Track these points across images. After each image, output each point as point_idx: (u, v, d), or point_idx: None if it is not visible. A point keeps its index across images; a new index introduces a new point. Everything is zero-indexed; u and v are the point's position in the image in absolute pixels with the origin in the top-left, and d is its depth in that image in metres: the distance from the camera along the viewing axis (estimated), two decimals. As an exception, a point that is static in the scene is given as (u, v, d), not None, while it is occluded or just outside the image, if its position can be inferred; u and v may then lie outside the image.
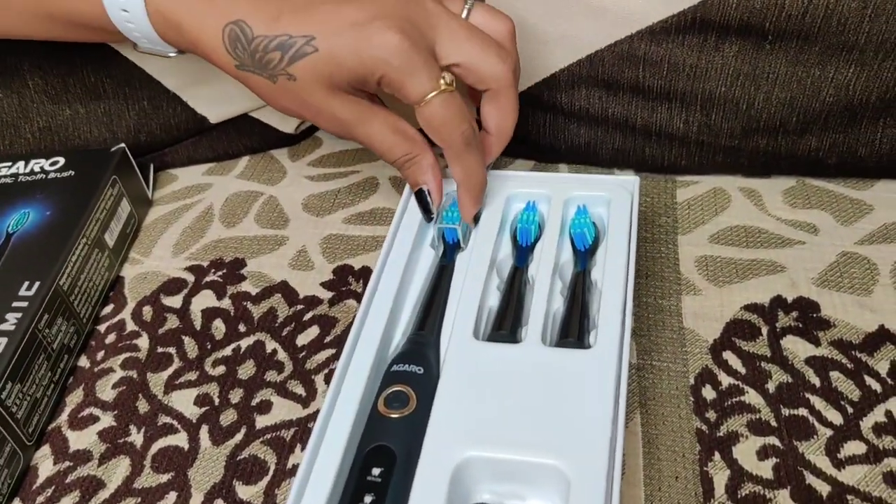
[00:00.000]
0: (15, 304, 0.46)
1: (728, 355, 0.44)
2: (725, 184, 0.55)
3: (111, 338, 0.51)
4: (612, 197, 0.47)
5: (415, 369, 0.39)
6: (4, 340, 0.44)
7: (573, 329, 0.41)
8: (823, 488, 0.38)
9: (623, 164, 0.57)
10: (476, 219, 0.47)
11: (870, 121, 0.49)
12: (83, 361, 0.50)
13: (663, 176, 0.56)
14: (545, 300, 0.42)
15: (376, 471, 0.35)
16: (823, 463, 0.39)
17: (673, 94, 0.51)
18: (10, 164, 0.57)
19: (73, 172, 0.56)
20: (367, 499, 0.34)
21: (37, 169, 0.56)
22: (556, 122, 0.55)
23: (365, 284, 0.51)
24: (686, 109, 0.51)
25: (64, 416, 0.46)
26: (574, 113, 0.54)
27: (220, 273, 0.54)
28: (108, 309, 0.53)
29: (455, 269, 0.46)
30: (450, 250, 0.47)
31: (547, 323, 0.41)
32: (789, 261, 0.49)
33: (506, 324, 0.42)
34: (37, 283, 0.47)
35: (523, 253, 0.46)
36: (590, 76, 0.52)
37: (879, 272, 0.48)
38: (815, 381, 0.42)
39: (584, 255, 0.45)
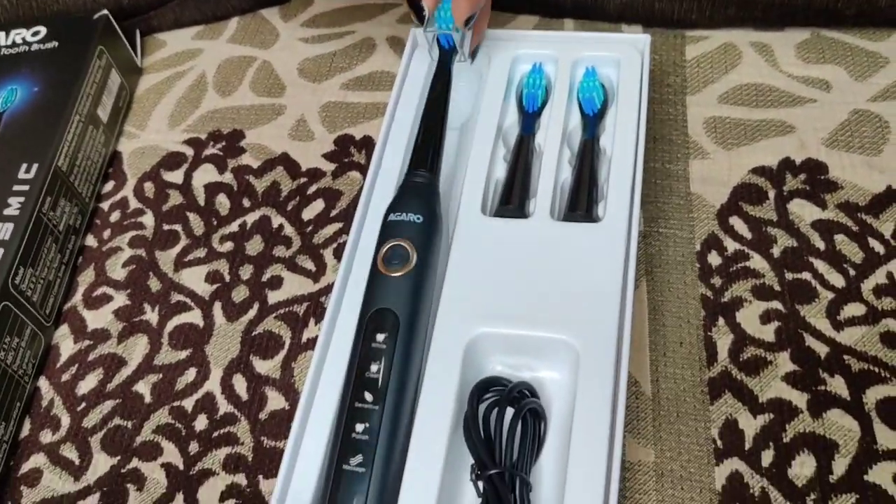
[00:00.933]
0: (16, 187, 0.45)
1: (734, 220, 0.44)
2: (736, 38, 0.53)
3: (115, 216, 0.51)
4: (621, 57, 0.45)
5: (413, 218, 0.36)
6: (10, 226, 0.43)
7: (581, 201, 0.41)
8: (822, 349, 0.39)
9: (631, 19, 0.54)
10: (468, 22, 0.42)
11: (894, -32, 0.46)
12: (90, 241, 0.50)
13: (672, 31, 0.54)
14: (553, 171, 0.42)
15: (380, 336, 0.34)
16: (823, 325, 0.40)
17: (686, -57, 0.48)
18: (-12, 35, 0.55)
19: (56, 43, 0.53)
20: (374, 367, 0.34)
21: (18, 40, 0.54)
22: (561, -26, 0.52)
23: (367, 154, 0.51)
24: (700, -41, 0.49)
25: (78, 297, 0.47)
26: (580, -35, 0.51)
27: (219, 146, 0.53)
28: (109, 186, 0.52)
29: (456, 137, 0.45)
30: (447, 57, 0.44)
31: (555, 195, 0.41)
32: (800, 120, 0.48)
33: (513, 197, 0.42)
34: (35, 165, 0.46)
35: (530, 119, 0.45)
36: (597, -77, 0.49)
37: (891, 130, 0.47)
38: (820, 244, 0.43)
39: (593, 121, 0.44)
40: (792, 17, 0.51)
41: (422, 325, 0.35)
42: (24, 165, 0.46)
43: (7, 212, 0.44)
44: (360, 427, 0.33)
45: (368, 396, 0.33)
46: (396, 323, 0.35)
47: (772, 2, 0.50)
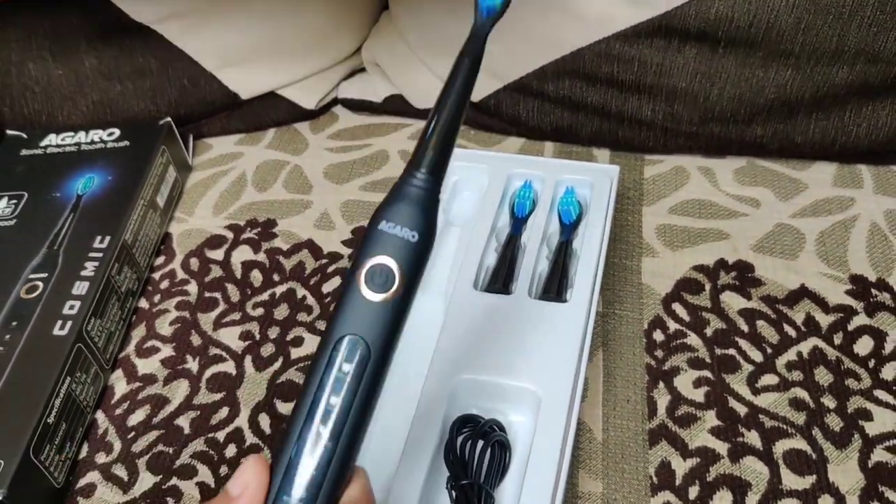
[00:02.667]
0: (91, 254, 0.55)
1: (676, 306, 0.54)
2: (686, 163, 0.64)
3: (165, 284, 0.61)
4: (594, 181, 0.56)
5: (409, 235, 0.31)
6: (87, 284, 0.53)
7: (554, 287, 0.51)
8: (742, 409, 0.48)
9: (600, 144, 0.66)
10: None
11: (805, 114, 0.58)
12: (143, 303, 0.59)
13: (634, 154, 0.66)
14: (533, 263, 0.52)
15: (346, 367, 0.30)
16: (744, 391, 0.49)
17: (642, 87, 0.60)
18: (72, 134, 0.66)
19: (128, 143, 0.65)
20: (333, 399, 0.30)
21: (96, 139, 0.66)
22: (543, 107, 0.65)
23: (379, 243, 0.61)
24: (653, 100, 0.61)
25: (131, 347, 0.56)
26: (559, 100, 0.64)
27: (255, 231, 0.63)
28: (161, 260, 0.62)
29: (459, 231, 0.56)
30: (485, 31, 0.33)
31: (533, 280, 0.51)
32: (734, 230, 0.59)
33: (500, 279, 0.52)
34: (108, 238, 0.56)
35: (518, 223, 0.55)
36: (572, 70, 0.61)
37: (806, 240, 0.58)
38: (745, 327, 0.53)
39: (569, 228, 0.55)
40: (729, 148, 0.63)
41: (391, 357, 0.32)
42: (99, 237, 0.57)
43: (84, 273, 0.54)
44: (306, 460, 0.29)
45: (322, 430, 0.30)
46: (367, 355, 0.30)
47: (712, 136, 0.62)
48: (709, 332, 0.53)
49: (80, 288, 0.53)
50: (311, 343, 0.55)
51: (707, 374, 0.50)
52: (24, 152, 0.65)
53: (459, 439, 0.44)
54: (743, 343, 0.52)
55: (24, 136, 0.67)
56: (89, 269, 0.55)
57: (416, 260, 0.31)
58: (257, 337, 0.56)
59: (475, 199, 0.58)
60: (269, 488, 0.29)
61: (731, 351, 0.51)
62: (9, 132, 0.67)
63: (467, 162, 0.59)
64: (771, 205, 0.60)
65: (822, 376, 0.49)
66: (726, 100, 0.59)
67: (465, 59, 0.33)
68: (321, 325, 0.56)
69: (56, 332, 0.51)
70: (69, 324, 0.51)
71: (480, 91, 0.65)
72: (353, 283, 0.31)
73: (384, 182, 0.66)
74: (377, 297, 0.30)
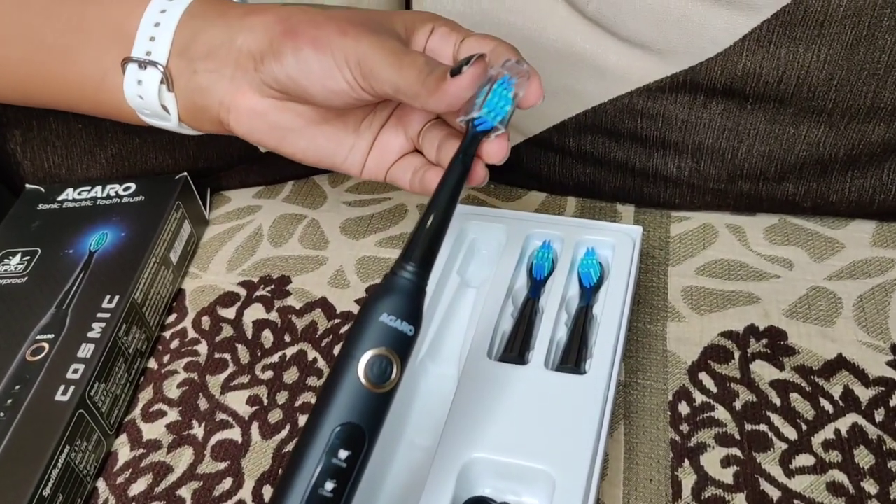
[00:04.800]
0: (99, 314, 0.54)
1: (703, 376, 0.51)
2: (714, 220, 0.62)
3: (175, 344, 0.59)
4: (617, 243, 0.54)
5: (407, 329, 0.33)
6: (92, 346, 0.52)
7: (572, 356, 0.48)
8: (775, 493, 0.45)
9: (624, 200, 0.64)
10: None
11: (839, 172, 0.56)
12: (152, 364, 0.58)
13: (659, 211, 0.63)
14: (551, 329, 0.49)
15: (343, 454, 0.32)
16: (777, 472, 0.46)
17: (667, 143, 0.58)
18: (89, 188, 0.66)
19: (143, 198, 0.64)
20: (329, 486, 0.31)
21: (112, 193, 0.65)
22: (565, 162, 0.63)
23: (393, 303, 0.59)
24: (679, 156, 0.58)
25: (137, 411, 0.55)
26: (580, 155, 0.62)
27: (268, 289, 0.62)
28: (172, 318, 0.61)
29: (475, 293, 0.54)
30: (474, 146, 0.40)
31: (551, 349, 0.49)
32: (765, 293, 0.56)
33: (515, 346, 0.49)
34: (116, 297, 0.55)
35: (537, 285, 0.53)
36: (594, 124, 0.59)
37: (843, 305, 0.54)
38: (777, 401, 0.49)
39: (589, 292, 0.52)
40: (760, 206, 0.60)
41: (379, 440, 0.34)
42: (108, 297, 0.56)
43: (90, 335, 0.53)
44: None
45: None
46: (363, 441, 0.32)
47: (741, 193, 0.59)
48: (738, 405, 0.50)
49: (86, 350, 0.52)
50: (319, 410, 0.53)
51: (736, 452, 0.47)
52: (41, 207, 0.65)
53: (468, 524, 0.42)
54: (775, 418, 0.49)
55: (42, 189, 0.67)
56: (96, 330, 0.53)
57: (410, 352, 0.34)
58: (265, 402, 0.54)
59: (492, 260, 0.56)
60: None
61: (763, 427, 0.48)
62: (28, 186, 0.67)
63: (484, 220, 0.57)
64: (805, 266, 0.57)
65: (863, 457, 0.46)
66: (755, 157, 0.56)
67: (458, 164, 0.38)
68: (331, 391, 0.54)
69: (58, 397, 0.49)
70: (72, 389, 0.50)
71: (500, 145, 0.64)
72: (352, 372, 0.32)
73: (400, 238, 0.65)
74: (377, 388, 0.32)
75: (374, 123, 0.46)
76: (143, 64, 0.44)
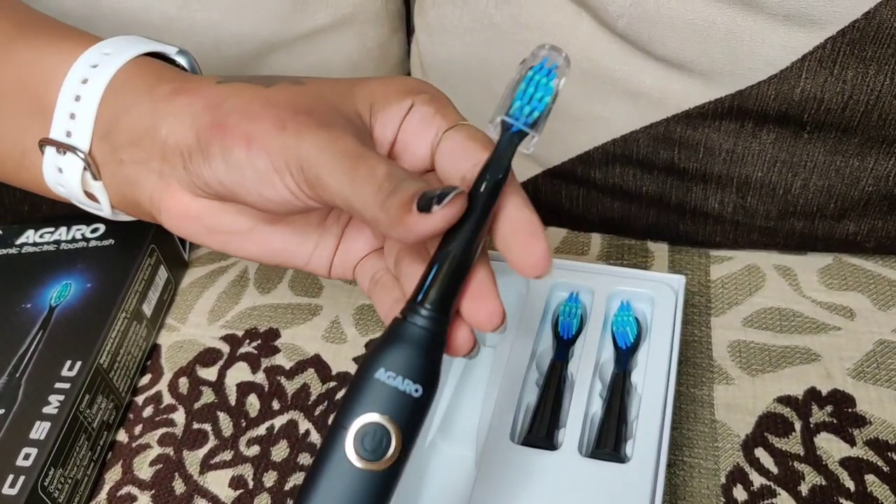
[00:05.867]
0: (57, 385, 0.47)
1: (760, 453, 0.44)
2: (760, 260, 0.54)
3: (148, 411, 0.52)
4: (655, 294, 0.47)
5: (411, 389, 0.26)
6: (48, 425, 0.45)
7: (609, 439, 0.41)
8: None
9: (656, 237, 0.57)
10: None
11: (910, 209, 0.48)
12: (121, 436, 0.51)
13: (697, 250, 0.56)
14: (584, 403, 0.42)
15: None
16: (855, 576, 0.39)
17: (708, 176, 0.51)
18: (52, 229, 0.59)
19: (112, 241, 0.57)
20: None
21: (78, 236, 0.58)
22: (590, 195, 0.55)
23: (397, 361, 0.52)
24: (722, 191, 0.51)
25: (103, 495, 0.47)
26: (608, 188, 0.54)
27: (254, 344, 0.55)
28: (146, 379, 0.54)
29: (492, 354, 0.46)
30: (508, 155, 0.29)
31: (584, 427, 0.42)
32: (824, 348, 0.49)
33: (542, 426, 0.42)
34: (78, 363, 0.48)
35: (564, 347, 0.46)
36: (624, 155, 0.52)
37: (918, 364, 0.47)
38: (850, 484, 0.42)
39: (626, 354, 0.45)
40: (814, 245, 0.53)
41: None
42: (69, 363, 0.48)
43: (46, 409, 0.46)
44: None
45: None
46: None
47: (793, 232, 0.52)
48: (804, 489, 0.42)
49: (40, 431, 0.45)
50: (313, 495, 0.45)
51: (806, 549, 0.40)
52: (-4, 252, 0.58)
53: None
54: (850, 507, 0.41)
55: (0, 231, 0.59)
56: (53, 404, 0.46)
57: (418, 419, 0.26)
58: (250, 485, 0.47)
59: (511, 314, 0.48)
60: None
61: (836, 518, 0.41)
62: (-17, 227, 0.60)
63: (500, 266, 0.50)
64: (868, 315, 0.50)
65: (957, 557, 0.39)
66: (812, 192, 0.49)
67: (491, 177, 0.28)
68: (326, 471, 0.46)
69: (6, 490, 0.42)
70: (21, 479, 0.42)
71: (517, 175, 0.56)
72: (340, 446, 0.26)
73: (404, 283, 0.57)
74: (367, 466, 0.25)
75: (344, 214, 0.36)
76: (61, 148, 0.35)
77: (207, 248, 0.36)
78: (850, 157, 0.47)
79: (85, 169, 0.35)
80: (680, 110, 0.49)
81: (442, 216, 0.26)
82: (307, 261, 0.36)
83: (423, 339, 0.27)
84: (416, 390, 0.26)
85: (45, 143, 0.35)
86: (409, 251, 0.32)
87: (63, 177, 0.36)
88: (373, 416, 0.26)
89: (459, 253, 0.28)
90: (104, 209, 0.37)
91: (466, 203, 0.27)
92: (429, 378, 0.27)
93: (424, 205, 0.26)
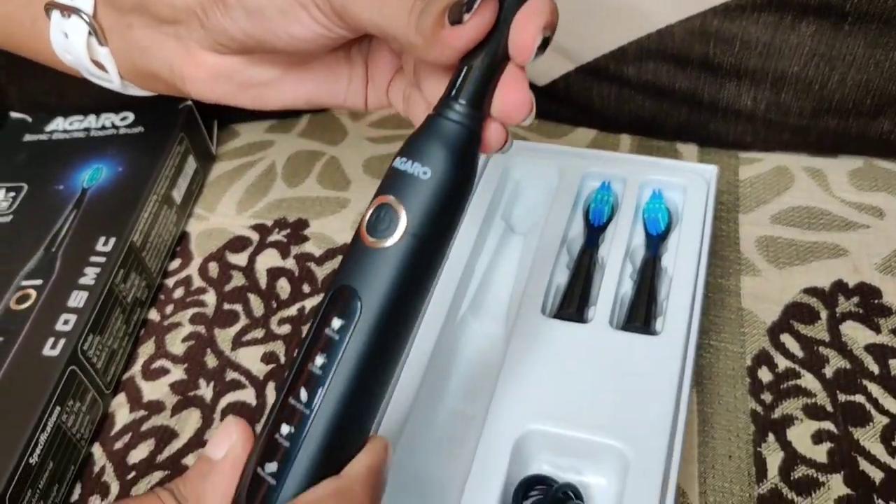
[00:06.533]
0: (93, 258, 0.48)
1: (786, 338, 0.45)
2: (790, 162, 0.54)
3: (179, 292, 0.53)
4: (688, 184, 0.47)
5: (419, 171, 0.26)
6: (85, 294, 0.46)
7: (640, 314, 0.42)
8: (877, 475, 0.39)
9: (686, 138, 0.57)
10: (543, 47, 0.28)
11: (947, 106, 0.48)
12: (153, 315, 0.51)
13: (726, 152, 0.56)
14: (615, 282, 0.43)
15: (336, 323, 0.26)
16: (878, 450, 0.40)
17: (743, 72, 0.50)
18: (81, 117, 0.59)
19: (142, 129, 0.57)
20: (319, 360, 0.26)
21: (108, 124, 0.58)
22: (622, 94, 0.55)
23: (425, 250, 0.52)
24: (756, 87, 0.51)
25: (137, 367, 0.49)
26: (640, 85, 0.54)
27: (283, 233, 0.55)
28: (176, 264, 0.55)
29: (521, 241, 0.47)
30: None
31: (615, 305, 0.42)
32: (853, 245, 0.49)
33: (573, 302, 0.43)
34: (113, 239, 0.49)
35: (595, 233, 0.46)
36: (658, 50, 0.52)
37: (944, 260, 0.47)
38: (874, 368, 0.43)
39: (656, 241, 0.45)
40: (846, 146, 0.53)
41: (398, 321, 0.27)
42: (103, 238, 0.49)
43: (83, 281, 0.46)
44: (285, 429, 0.26)
45: (304, 395, 0.26)
46: (357, 308, 0.26)
47: (826, 130, 0.51)
48: (828, 372, 0.43)
49: (78, 299, 0.45)
50: (344, 370, 0.46)
51: (830, 426, 0.41)
52: (27, 138, 0.58)
53: (525, 508, 0.36)
54: (873, 388, 0.42)
55: (29, 119, 0.59)
56: (90, 275, 0.47)
57: (429, 202, 0.26)
58: (282, 360, 0.47)
59: (542, 202, 0.49)
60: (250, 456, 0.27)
61: (859, 398, 0.42)
62: (12, 115, 0.60)
63: (532, 157, 0.50)
64: (897, 215, 0.50)
65: (978, 435, 0.40)
66: (849, 87, 0.49)
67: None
68: (357, 349, 0.47)
69: (47, 351, 0.43)
70: (62, 342, 0.43)
71: (548, 73, 0.56)
72: (358, 228, 0.27)
73: (432, 178, 0.57)
74: (375, 244, 0.26)
75: (364, 41, 0.35)
76: (66, 11, 0.35)
77: (242, 106, 0.36)
78: (891, 49, 0.47)
79: (90, 34, 0.35)
80: (718, 2, 0.48)
81: (474, 24, 0.26)
82: (343, 98, 0.35)
83: (446, 128, 0.27)
84: (425, 173, 0.26)
85: (50, 6, 0.35)
86: (426, 65, 0.31)
87: (69, 42, 0.36)
88: (383, 199, 0.26)
89: (491, 50, 0.27)
90: (113, 79, 0.37)
91: (497, 6, 0.27)
92: (441, 162, 0.26)
93: (455, 16, 0.26)
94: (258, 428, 0.42)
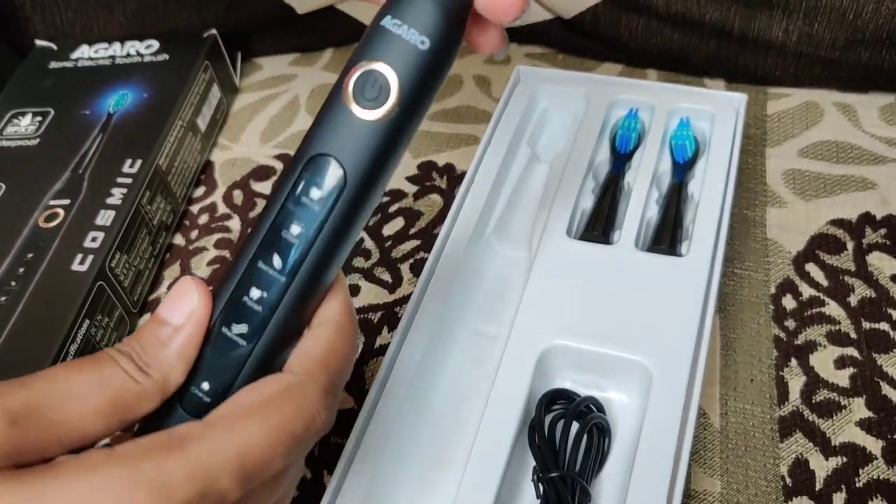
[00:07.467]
0: (119, 179, 0.48)
1: (811, 267, 0.45)
2: (819, 98, 0.54)
3: (204, 218, 0.53)
4: (716, 112, 0.46)
5: (417, 39, 0.24)
6: (112, 213, 0.46)
7: (666, 237, 0.41)
8: (899, 399, 0.39)
9: (714, 73, 0.56)
10: None
11: (984, 36, 0.47)
12: (178, 239, 0.52)
13: (754, 87, 0.55)
14: (641, 206, 0.42)
15: (315, 194, 0.25)
16: (901, 376, 0.40)
17: (775, 1, 0.50)
18: (107, 45, 0.59)
19: (167, 56, 0.57)
20: (295, 229, 0.25)
21: (132, 52, 0.58)
22: (650, 25, 0.54)
23: (449, 180, 0.52)
24: (788, 17, 0.50)
25: (163, 289, 0.49)
26: (670, 17, 0.53)
27: (307, 162, 0.55)
28: (200, 191, 0.55)
29: (547, 169, 0.47)
30: None
31: (640, 229, 0.42)
32: (881, 178, 0.48)
33: (598, 225, 0.43)
34: (139, 161, 0.49)
35: (621, 159, 0.46)
36: (690, -22, 0.51)
37: (974, 194, 0.47)
38: (899, 297, 0.43)
39: (683, 168, 0.45)
40: (877, 80, 0.52)
41: (377, 191, 0.26)
42: (129, 161, 0.49)
43: (109, 200, 0.47)
44: (255, 293, 0.25)
45: (277, 262, 0.25)
46: (342, 185, 0.25)
47: (858, 63, 0.51)
48: (853, 300, 0.43)
49: (105, 218, 0.46)
50: (367, 293, 0.47)
51: (853, 352, 0.41)
52: (52, 65, 0.58)
53: (548, 419, 0.36)
54: (898, 316, 0.42)
55: (55, 47, 0.59)
56: (116, 196, 0.47)
57: (423, 75, 0.24)
58: (306, 283, 0.48)
59: (568, 131, 0.49)
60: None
61: (884, 325, 0.42)
62: (38, 42, 0.60)
63: (559, 84, 0.50)
64: (928, 150, 0.50)
65: None
66: (883, 16, 0.48)
67: None
68: (379, 273, 0.48)
69: (75, 266, 0.44)
70: (90, 258, 0.44)
71: (575, 5, 0.55)
72: (338, 92, 0.25)
73: (457, 111, 0.57)
74: (364, 115, 0.24)
75: None
76: None
77: None
78: (929, -24, 0.46)
79: None
80: (753, -73, 0.47)
81: None
82: None
83: None
84: (423, 42, 0.24)
85: None
86: None
87: None
88: (374, 65, 0.24)
89: None
90: None
91: None
92: (440, 31, 0.24)
93: None
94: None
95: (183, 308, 0.25)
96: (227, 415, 0.24)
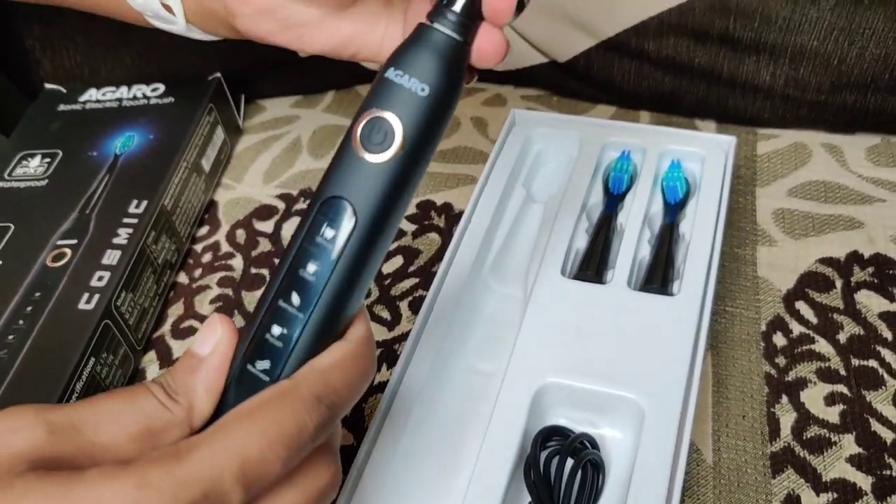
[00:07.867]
0: (125, 220, 0.49)
1: (801, 305, 0.46)
2: (807, 139, 0.55)
3: (207, 257, 0.54)
4: (706, 154, 0.48)
5: (417, 87, 0.26)
6: (118, 253, 0.47)
7: (658, 276, 0.43)
8: (889, 435, 0.40)
9: (704, 115, 0.57)
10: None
11: (965, 81, 0.49)
12: (182, 277, 0.53)
13: (744, 128, 0.56)
14: (633, 246, 0.44)
15: (329, 233, 0.27)
16: (890, 412, 0.40)
17: (762, 47, 0.51)
18: (114, 88, 0.60)
19: (172, 99, 0.58)
20: (311, 268, 0.27)
21: (139, 94, 0.59)
22: (642, 69, 0.56)
23: (447, 220, 0.54)
24: (774, 62, 0.52)
25: (167, 327, 0.50)
26: (661, 61, 0.55)
27: (308, 202, 0.56)
28: (204, 230, 0.56)
29: (542, 209, 0.48)
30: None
31: (633, 269, 0.43)
32: (868, 218, 0.50)
33: (592, 265, 0.44)
34: (145, 202, 0.50)
35: (614, 200, 0.47)
36: (679, 24, 0.53)
37: (959, 233, 0.48)
38: (888, 334, 0.44)
39: (674, 209, 0.46)
40: (863, 122, 0.53)
41: (388, 230, 0.28)
42: (135, 201, 0.50)
43: (116, 241, 0.48)
44: (276, 330, 0.27)
45: (296, 299, 0.27)
46: (353, 225, 0.27)
47: (844, 106, 0.52)
48: (842, 338, 0.44)
49: (112, 257, 0.47)
50: (367, 330, 0.48)
51: (842, 388, 0.42)
52: (61, 107, 0.60)
53: (544, 455, 0.37)
54: (886, 354, 0.43)
55: (63, 90, 0.61)
56: (122, 236, 0.48)
57: (424, 119, 0.27)
58: (307, 321, 0.49)
59: (562, 172, 0.50)
60: (235, 353, 0.27)
61: (872, 363, 0.43)
62: (47, 86, 0.62)
63: (553, 128, 0.51)
64: (914, 190, 0.51)
65: None
66: (867, 62, 0.49)
67: None
68: (379, 310, 0.49)
69: (82, 305, 0.45)
70: (96, 297, 0.45)
71: (568, 50, 0.57)
72: (348, 139, 0.27)
73: (455, 152, 0.59)
74: (371, 158, 0.26)
75: None
76: None
77: (283, 45, 0.37)
78: (909, 23, 0.47)
79: None
80: (740, -24, 0.49)
81: None
82: (379, 48, 0.36)
83: (441, 41, 0.27)
84: (423, 89, 0.26)
85: None
86: None
87: None
88: (378, 112, 0.27)
89: None
90: (178, 21, 0.39)
91: None
92: (438, 79, 0.27)
93: None
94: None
95: (209, 340, 0.27)
96: (226, 421, 0.25)
